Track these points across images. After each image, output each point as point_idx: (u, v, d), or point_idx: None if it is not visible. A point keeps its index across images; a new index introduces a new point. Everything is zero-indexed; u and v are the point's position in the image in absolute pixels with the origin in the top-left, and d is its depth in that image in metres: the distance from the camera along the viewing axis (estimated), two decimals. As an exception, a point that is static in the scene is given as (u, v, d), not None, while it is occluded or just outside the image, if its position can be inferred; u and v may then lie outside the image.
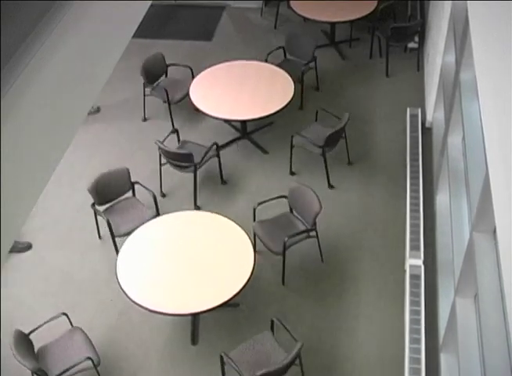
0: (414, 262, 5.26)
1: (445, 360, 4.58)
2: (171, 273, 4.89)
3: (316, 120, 6.70)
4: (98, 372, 4.66)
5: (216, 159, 6.35)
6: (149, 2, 3.59)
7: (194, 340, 5.16)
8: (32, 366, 4.38)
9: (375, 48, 8.27)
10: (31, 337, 4.68)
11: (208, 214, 5.35)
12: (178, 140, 6.54)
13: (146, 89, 7.21)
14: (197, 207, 6.24)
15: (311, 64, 7.36)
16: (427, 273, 5.23)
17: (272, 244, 5.33)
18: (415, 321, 4.84)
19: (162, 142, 6.06)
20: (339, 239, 5.92)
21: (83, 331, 4.74)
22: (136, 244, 5.11)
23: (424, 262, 5.26)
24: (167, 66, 7.35)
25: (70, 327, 4.85)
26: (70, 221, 6.22)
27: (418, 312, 4.88)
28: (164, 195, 6.41)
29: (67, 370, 4.43)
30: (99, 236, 5.98)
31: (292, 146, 6.47)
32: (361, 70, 8.06)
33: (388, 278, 5.55)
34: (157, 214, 5.74)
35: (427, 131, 6.88)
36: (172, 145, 6.40)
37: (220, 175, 6.49)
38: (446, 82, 5.94)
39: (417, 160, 6.26)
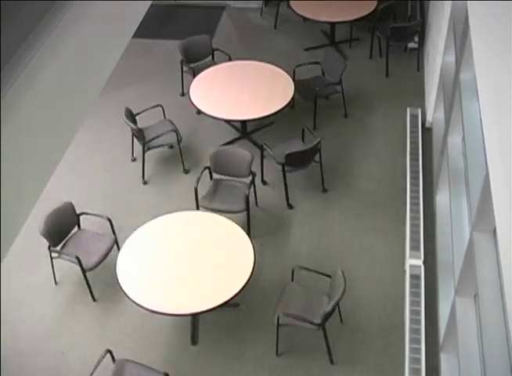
0: (414, 262, 5.26)
1: (445, 360, 4.58)
2: (171, 273, 4.89)
3: (303, 139, 6.42)
4: (85, 276, 5.16)
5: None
6: (149, 2, 3.59)
7: (194, 340, 5.16)
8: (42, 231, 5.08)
9: (375, 48, 8.28)
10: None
11: (208, 214, 5.35)
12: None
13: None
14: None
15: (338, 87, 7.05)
16: (427, 273, 5.23)
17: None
18: (415, 321, 4.83)
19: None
20: (339, 239, 5.92)
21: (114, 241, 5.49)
22: (136, 244, 5.11)
23: (424, 262, 5.26)
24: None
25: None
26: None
27: (418, 312, 4.88)
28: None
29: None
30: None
31: (262, 157, 6.47)
32: (361, 70, 8.06)
33: (388, 278, 5.55)
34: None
35: (427, 132, 6.88)
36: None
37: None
38: (446, 82, 5.94)
39: (417, 160, 6.26)
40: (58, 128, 2.55)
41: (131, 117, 6.50)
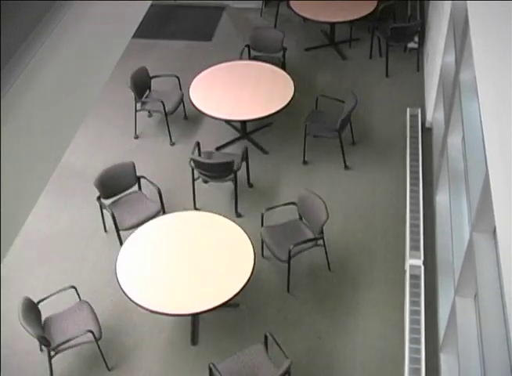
0: (414, 262, 5.26)
1: (445, 360, 4.58)
2: (171, 273, 4.89)
3: (316, 107, 6.86)
4: (99, 346, 4.82)
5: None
6: (149, 2, 3.59)
7: (194, 340, 5.16)
8: (36, 333, 4.53)
9: (375, 48, 8.28)
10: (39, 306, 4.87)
11: (208, 214, 5.35)
12: (199, 152, 6.32)
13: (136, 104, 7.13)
14: (238, 215, 6.13)
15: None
16: (427, 273, 5.23)
17: (277, 250, 5.30)
18: (415, 321, 4.84)
19: (192, 157, 5.93)
20: (338, 239, 5.92)
21: (90, 305, 4.95)
22: (136, 244, 5.11)
23: (424, 262, 5.26)
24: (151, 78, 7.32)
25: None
26: (73, 216, 6.23)
27: (418, 312, 4.89)
28: (196, 208, 6.29)
29: (68, 340, 4.67)
30: (105, 230, 6.04)
31: (306, 135, 6.55)
32: (361, 71, 8.06)
33: (388, 278, 5.55)
34: (163, 209, 5.78)
35: (427, 132, 6.88)
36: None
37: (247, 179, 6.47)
38: (446, 82, 5.94)
39: (417, 160, 6.26)
40: (58, 128, 2.55)
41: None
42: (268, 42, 7.52)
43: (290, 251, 5.19)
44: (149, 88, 7.20)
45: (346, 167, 6.65)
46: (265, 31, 7.56)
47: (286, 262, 5.26)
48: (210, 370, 4.46)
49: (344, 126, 6.47)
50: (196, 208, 6.25)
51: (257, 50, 7.55)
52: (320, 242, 5.41)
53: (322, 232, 5.33)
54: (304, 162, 6.71)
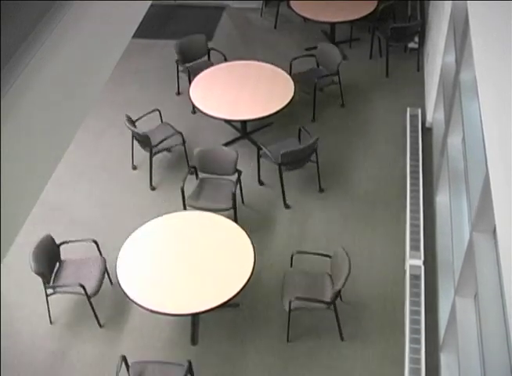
0: (414, 262, 5.26)
1: (445, 360, 4.58)
2: (171, 273, 4.89)
3: (299, 139, 6.44)
4: (91, 303, 5.12)
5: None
6: (149, 2, 3.59)
7: (194, 340, 5.16)
8: (36, 269, 4.85)
9: (375, 48, 8.28)
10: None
11: (208, 214, 5.35)
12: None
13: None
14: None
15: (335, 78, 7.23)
16: (427, 273, 5.23)
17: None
18: (415, 321, 4.84)
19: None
20: (339, 239, 5.92)
21: (103, 263, 5.25)
22: (136, 243, 5.11)
23: (424, 262, 5.26)
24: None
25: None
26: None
27: (418, 312, 4.89)
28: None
29: (62, 286, 5.07)
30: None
31: (259, 158, 6.33)
32: (361, 70, 8.06)
33: (388, 278, 5.55)
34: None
35: (427, 132, 6.88)
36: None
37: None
38: (446, 82, 5.94)
39: (417, 160, 6.26)
40: (58, 128, 2.55)
41: (133, 124, 6.48)
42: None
43: (290, 303, 4.82)
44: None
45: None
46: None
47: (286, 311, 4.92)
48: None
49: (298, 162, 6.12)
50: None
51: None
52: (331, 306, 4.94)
53: (337, 297, 4.87)
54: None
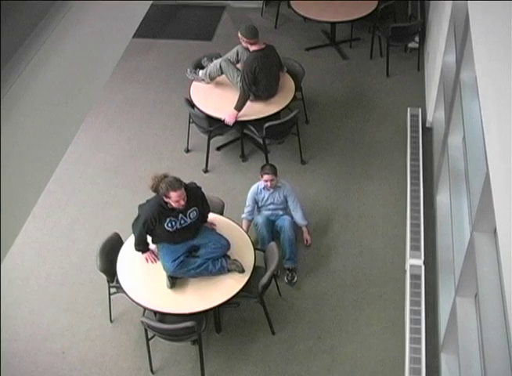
0: (414, 261, 5.26)
1: (445, 360, 4.58)
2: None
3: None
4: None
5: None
6: (150, 2, 3.59)
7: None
8: (100, 266, 4.89)
9: (375, 48, 8.27)
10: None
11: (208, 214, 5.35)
12: None
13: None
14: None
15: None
16: (427, 273, 5.23)
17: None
18: (415, 321, 4.83)
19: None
20: (339, 239, 5.92)
21: None
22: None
23: (425, 262, 5.26)
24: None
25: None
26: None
27: (418, 312, 4.88)
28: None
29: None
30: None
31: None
32: (361, 70, 8.05)
33: (388, 278, 5.55)
34: None
35: (427, 131, 6.87)
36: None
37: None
38: (447, 82, 5.94)
39: (417, 160, 6.25)
40: (58, 128, 2.55)
41: (191, 105, 6.49)
42: None
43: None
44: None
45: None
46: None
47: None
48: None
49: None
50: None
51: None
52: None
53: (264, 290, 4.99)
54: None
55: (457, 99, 5.11)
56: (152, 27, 9.05)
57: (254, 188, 5.68)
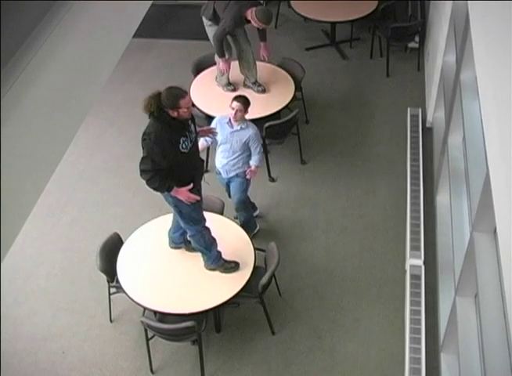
0: (414, 261, 5.26)
1: (445, 360, 4.58)
2: (172, 273, 4.89)
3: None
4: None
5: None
6: (150, 2, 3.58)
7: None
8: (100, 267, 4.86)
9: (375, 47, 8.27)
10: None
11: (208, 214, 5.34)
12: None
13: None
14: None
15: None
16: (427, 273, 5.22)
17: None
18: (415, 321, 4.83)
19: None
20: (339, 239, 5.92)
21: None
22: (136, 243, 5.11)
23: (424, 262, 5.26)
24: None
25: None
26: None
27: (418, 312, 4.88)
28: None
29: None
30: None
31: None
32: (361, 70, 8.05)
33: (388, 278, 5.54)
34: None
35: (427, 131, 6.87)
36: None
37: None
38: (447, 82, 5.94)
39: (418, 160, 6.25)
40: (58, 127, 2.55)
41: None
42: None
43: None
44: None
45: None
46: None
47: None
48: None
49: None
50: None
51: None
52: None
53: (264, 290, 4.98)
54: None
55: (457, 99, 5.11)
56: (152, 27, 9.04)
57: (220, 117, 5.39)
